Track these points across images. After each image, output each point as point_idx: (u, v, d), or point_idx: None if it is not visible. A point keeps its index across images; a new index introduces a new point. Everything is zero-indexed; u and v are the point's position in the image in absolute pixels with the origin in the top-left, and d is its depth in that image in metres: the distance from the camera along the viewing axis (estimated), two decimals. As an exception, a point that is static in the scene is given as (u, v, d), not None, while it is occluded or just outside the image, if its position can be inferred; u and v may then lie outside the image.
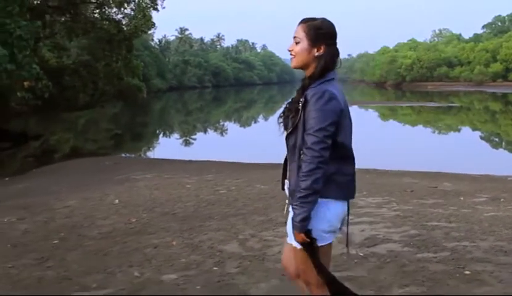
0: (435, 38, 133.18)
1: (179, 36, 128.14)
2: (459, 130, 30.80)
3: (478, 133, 29.18)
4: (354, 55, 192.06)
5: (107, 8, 21.46)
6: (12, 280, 4.86)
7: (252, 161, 13.33)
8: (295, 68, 2.87)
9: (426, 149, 20.54)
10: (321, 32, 2.82)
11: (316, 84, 2.79)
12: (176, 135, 28.60)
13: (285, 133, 2.92)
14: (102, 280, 4.75)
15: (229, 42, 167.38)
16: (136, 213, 7.30)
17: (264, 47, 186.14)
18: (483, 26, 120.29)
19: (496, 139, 26.91)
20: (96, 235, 6.27)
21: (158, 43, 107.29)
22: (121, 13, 21.70)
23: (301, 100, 2.77)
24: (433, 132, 28.78)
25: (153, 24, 22.07)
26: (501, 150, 23.07)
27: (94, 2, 21.69)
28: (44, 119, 23.27)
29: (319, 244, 2.85)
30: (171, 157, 16.29)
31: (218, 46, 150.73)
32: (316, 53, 2.81)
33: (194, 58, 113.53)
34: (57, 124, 25.66)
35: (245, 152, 16.68)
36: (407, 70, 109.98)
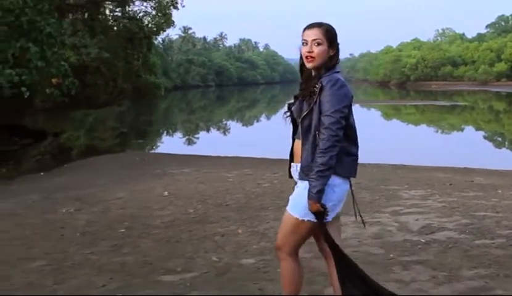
0: (438, 37, 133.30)
1: (183, 35, 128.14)
2: (465, 128, 30.99)
3: (484, 132, 29.34)
4: (356, 55, 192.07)
5: (127, 6, 21.73)
6: (94, 265, 5.08)
7: (280, 157, 13.54)
8: (314, 67, 3.18)
9: (441, 146, 20.81)
10: (334, 35, 3.22)
11: (329, 73, 3.14)
12: (192, 132, 28.94)
13: (290, 123, 3.32)
14: (184, 265, 4.98)
15: (231, 41, 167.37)
16: (190, 204, 7.53)
17: (266, 47, 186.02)
18: (487, 26, 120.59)
19: (501, 138, 27.05)
20: (159, 224, 6.50)
21: (161, 42, 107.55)
22: (142, 12, 21.99)
23: (317, 85, 3.10)
24: (442, 130, 29.06)
25: (173, 22, 22.40)
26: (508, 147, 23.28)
27: (115, 0, 21.92)
28: (63, 116, 23.57)
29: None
30: (191, 153, 16.59)
31: (221, 45, 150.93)
32: (331, 53, 3.19)
33: (197, 57, 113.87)
34: (74, 122, 25.96)
35: (268, 148, 16.88)
36: (411, 69, 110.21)
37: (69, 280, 4.70)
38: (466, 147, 20.94)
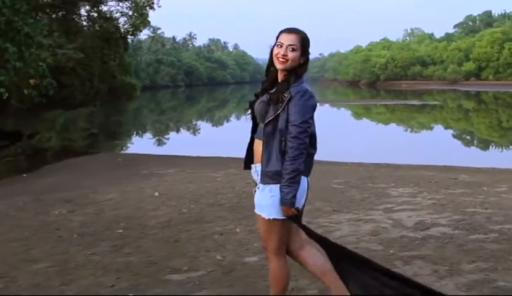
0: (407, 37, 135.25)
1: (151, 35, 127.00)
2: (438, 127, 31.52)
3: (457, 130, 29.86)
4: (325, 54, 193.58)
5: (103, 6, 21.60)
6: (98, 266, 5.09)
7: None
8: (284, 70, 3.30)
9: (417, 145, 21.16)
10: (308, 45, 3.35)
11: (298, 84, 3.25)
12: (164, 133, 28.84)
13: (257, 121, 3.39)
14: (189, 264, 5.02)
15: (200, 41, 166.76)
16: (183, 204, 7.56)
17: (236, 47, 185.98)
18: (455, 26, 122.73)
19: (470, 136, 27.57)
20: (156, 224, 6.52)
21: (131, 42, 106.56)
22: (119, 12, 21.84)
23: (285, 94, 3.21)
24: (416, 129, 29.53)
25: (149, 22, 22.29)
26: (482, 145, 23.78)
27: (91, 0, 21.73)
28: (39, 117, 23.28)
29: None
30: (168, 153, 16.59)
31: (190, 45, 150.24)
32: (301, 61, 3.31)
33: (166, 57, 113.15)
34: (50, 123, 25.69)
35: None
36: (381, 69, 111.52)
37: (76, 280, 4.71)
38: (442, 146, 21.33)
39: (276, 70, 3.35)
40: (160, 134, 27.23)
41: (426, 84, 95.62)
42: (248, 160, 3.50)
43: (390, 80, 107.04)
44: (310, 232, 3.48)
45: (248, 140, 3.53)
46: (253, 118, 3.46)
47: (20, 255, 5.53)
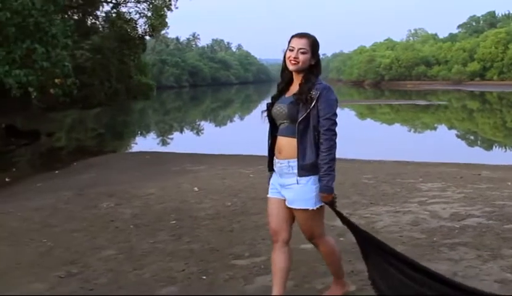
0: (411, 38, 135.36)
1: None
2: (446, 127, 31.85)
3: (469, 129, 30.23)
4: (329, 55, 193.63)
5: (122, 7, 22.06)
6: (164, 253, 5.47)
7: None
8: (296, 70, 3.66)
9: (429, 144, 21.50)
10: (317, 47, 3.70)
11: (319, 82, 3.63)
12: (180, 132, 29.39)
13: (278, 121, 3.72)
14: (249, 250, 5.41)
15: (204, 41, 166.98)
16: (224, 198, 7.94)
17: (239, 47, 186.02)
18: (459, 26, 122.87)
19: (478, 136, 27.91)
20: (206, 216, 6.90)
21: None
22: (138, 13, 22.27)
23: (313, 93, 3.55)
24: (423, 129, 29.88)
25: (167, 24, 22.71)
26: (491, 144, 24.12)
27: (110, 2, 22.21)
28: (58, 116, 23.74)
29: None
30: (190, 151, 16.97)
31: (194, 46, 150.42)
32: (312, 62, 3.67)
33: (170, 57, 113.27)
34: (69, 122, 26.21)
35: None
36: (386, 69, 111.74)
37: (147, 265, 5.09)
38: (453, 144, 21.68)
39: (290, 73, 3.72)
40: (175, 133, 27.74)
41: (431, 84, 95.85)
42: (271, 164, 3.87)
43: (395, 80, 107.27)
44: (343, 219, 3.84)
45: (266, 142, 3.84)
46: (271, 120, 3.78)
47: (85, 244, 5.91)
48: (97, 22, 22.67)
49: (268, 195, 3.88)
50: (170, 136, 26.66)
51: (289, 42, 3.67)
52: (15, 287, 4.72)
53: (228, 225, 6.40)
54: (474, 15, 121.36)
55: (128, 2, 22.23)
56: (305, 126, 3.56)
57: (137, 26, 22.38)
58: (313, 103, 3.54)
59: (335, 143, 3.56)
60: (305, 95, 3.58)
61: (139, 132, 28.51)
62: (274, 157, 3.78)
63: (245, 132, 25.67)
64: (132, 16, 22.39)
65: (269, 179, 3.92)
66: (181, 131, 29.53)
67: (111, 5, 22.29)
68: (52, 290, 4.60)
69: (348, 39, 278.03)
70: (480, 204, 7.22)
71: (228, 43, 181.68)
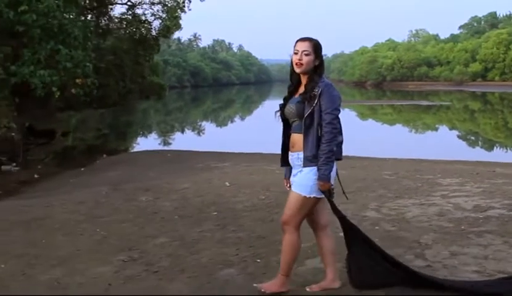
0: (412, 38, 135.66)
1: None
2: (449, 127, 32.30)
3: (469, 130, 30.67)
4: (329, 56, 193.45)
5: (137, 9, 22.58)
6: (213, 240, 5.93)
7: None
8: (301, 72, 4.04)
9: (436, 143, 21.97)
10: (320, 49, 4.08)
11: (322, 80, 4.00)
12: (192, 131, 30.05)
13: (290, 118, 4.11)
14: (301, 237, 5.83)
15: (205, 42, 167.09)
16: (257, 192, 8.40)
17: (240, 47, 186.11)
18: (460, 27, 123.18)
19: (485, 135, 28.38)
20: (244, 208, 7.36)
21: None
22: (152, 15, 22.78)
23: (316, 90, 3.94)
24: (428, 129, 30.39)
25: (181, 25, 23.20)
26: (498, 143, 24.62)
27: (125, 4, 22.73)
28: (75, 115, 24.27)
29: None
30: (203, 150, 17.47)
31: (195, 46, 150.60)
32: (316, 63, 4.05)
33: (172, 58, 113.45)
34: (82, 121, 26.77)
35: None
36: (388, 70, 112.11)
37: (202, 251, 5.54)
38: (459, 143, 22.17)
39: (298, 75, 4.15)
40: (188, 132, 28.36)
41: (433, 85, 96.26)
42: (284, 159, 4.25)
43: (397, 81, 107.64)
44: (335, 210, 4.18)
45: (280, 140, 4.24)
46: (283, 119, 4.18)
47: (136, 233, 6.37)
48: (112, 23, 23.12)
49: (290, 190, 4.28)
50: (183, 135, 27.27)
51: (294, 46, 4.09)
52: (82, 270, 5.16)
53: (268, 216, 6.86)
54: (475, 16, 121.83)
55: (142, 3, 22.75)
56: (310, 121, 3.94)
57: (152, 27, 22.92)
58: (316, 100, 3.93)
59: (336, 135, 3.93)
60: (309, 93, 3.97)
61: (154, 131, 29.33)
62: (289, 151, 4.17)
63: (252, 132, 26.19)
64: (147, 18, 22.90)
65: (285, 173, 4.36)
66: (193, 130, 30.19)
67: (126, 6, 22.80)
68: (117, 273, 5.04)
69: (348, 40, 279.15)
70: (499, 197, 7.67)
71: (229, 43, 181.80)
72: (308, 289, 4.31)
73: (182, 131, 30.51)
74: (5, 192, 11.18)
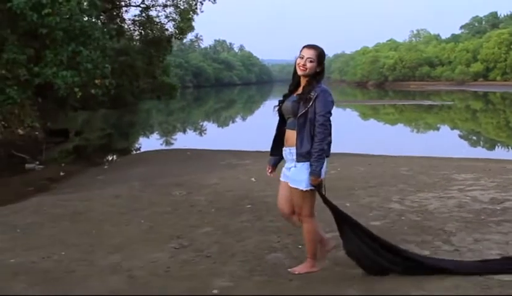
0: (413, 38, 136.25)
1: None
2: (452, 127, 32.77)
3: (474, 130, 31.18)
4: (330, 56, 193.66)
5: (150, 11, 23.14)
6: (254, 229, 6.40)
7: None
8: (303, 75, 4.48)
9: (441, 142, 22.45)
10: (323, 58, 4.53)
11: (320, 85, 4.46)
12: (203, 131, 30.73)
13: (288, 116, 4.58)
14: (328, 227, 6.27)
15: (206, 42, 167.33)
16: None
17: (241, 48, 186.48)
18: (461, 27, 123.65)
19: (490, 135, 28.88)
20: (274, 201, 7.47)
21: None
22: (166, 17, 23.35)
23: (312, 94, 4.39)
24: (432, 128, 30.90)
25: (193, 27, 23.76)
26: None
27: (138, 6, 23.29)
28: (89, 115, 24.81)
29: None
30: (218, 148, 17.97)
31: (197, 47, 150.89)
32: (318, 70, 4.51)
33: (174, 58, 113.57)
34: (94, 121, 27.34)
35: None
36: (389, 70, 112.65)
37: (246, 239, 6.02)
38: (466, 143, 22.66)
39: (299, 76, 4.55)
40: (200, 132, 29.06)
41: (434, 85, 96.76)
42: (275, 148, 4.78)
43: (399, 81, 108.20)
44: (326, 200, 4.67)
45: (273, 132, 4.79)
46: (280, 114, 4.66)
47: (180, 223, 6.85)
48: (124, 25, 23.68)
49: (280, 179, 4.87)
50: (194, 134, 27.93)
51: (300, 51, 4.52)
52: (139, 256, 5.63)
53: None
54: (476, 16, 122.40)
55: (155, 6, 23.30)
56: (303, 120, 4.39)
57: (166, 29, 23.47)
58: (311, 102, 4.38)
59: (327, 136, 4.39)
60: (305, 95, 4.43)
61: (165, 130, 30.03)
62: (284, 145, 4.65)
63: (262, 130, 26.66)
64: (160, 20, 23.46)
65: (269, 160, 4.93)
66: (203, 130, 30.88)
67: (139, 8, 23.33)
68: (173, 258, 5.51)
69: (349, 40, 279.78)
70: (513, 191, 8.17)
71: (230, 44, 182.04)
72: (290, 270, 4.85)
73: (195, 130, 31.21)
74: (36, 188, 11.70)
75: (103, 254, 5.76)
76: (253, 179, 9.78)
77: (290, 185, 4.61)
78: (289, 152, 4.56)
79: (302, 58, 4.49)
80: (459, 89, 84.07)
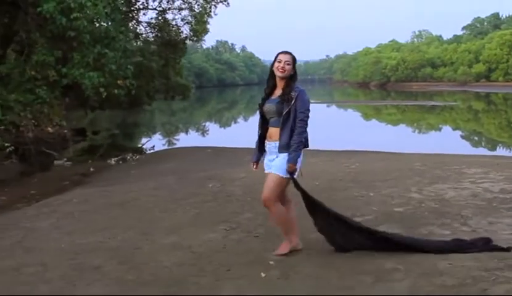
0: (415, 39, 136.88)
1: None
2: (455, 126, 33.52)
3: (478, 130, 31.97)
4: (332, 56, 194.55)
5: (167, 14, 24.04)
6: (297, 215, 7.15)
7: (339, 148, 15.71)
8: (281, 77, 5.14)
9: (444, 141, 23.21)
10: (295, 61, 5.26)
11: (296, 86, 5.16)
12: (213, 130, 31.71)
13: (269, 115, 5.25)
14: (359, 211, 7.11)
15: (208, 43, 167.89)
16: (308, 180, 9.51)
17: (243, 48, 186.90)
18: (463, 28, 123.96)
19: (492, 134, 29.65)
20: (309, 190, 8.56)
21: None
22: (182, 20, 24.20)
23: (293, 94, 5.07)
24: (435, 128, 31.67)
25: (208, 29, 24.56)
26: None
27: (154, 9, 24.14)
28: (106, 115, 25.64)
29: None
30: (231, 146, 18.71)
31: (199, 47, 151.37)
32: (292, 72, 5.22)
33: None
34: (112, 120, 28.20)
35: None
36: (392, 71, 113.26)
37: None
38: (471, 142, 23.42)
39: (274, 80, 5.23)
40: (209, 132, 30.04)
41: (437, 86, 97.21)
42: (261, 145, 5.46)
43: (401, 82, 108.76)
44: (297, 185, 5.35)
45: (256, 132, 5.49)
46: (262, 115, 5.32)
47: (224, 210, 7.63)
48: (141, 27, 24.59)
49: (265, 171, 5.43)
50: (207, 133, 28.89)
51: (276, 57, 5.21)
52: (195, 236, 6.37)
53: (330, 196, 8.04)
54: (478, 17, 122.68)
55: (171, 9, 24.13)
56: (287, 117, 5.08)
57: (181, 31, 24.32)
58: (293, 102, 5.07)
59: (305, 130, 5.08)
60: (287, 96, 5.11)
61: (180, 129, 31.08)
62: (266, 141, 5.33)
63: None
64: (176, 22, 24.31)
65: (254, 157, 5.63)
66: (211, 130, 31.73)
67: (155, 12, 24.21)
68: (226, 238, 6.27)
69: (350, 41, 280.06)
70: (522, 183, 8.92)
71: (232, 44, 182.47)
72: (273, 253, 5.50)
73: (204, 130, 32.13)
74: (71, 182, 12.50)
75: (162, 235, 6.52)
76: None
77: (273, 172, 5.25)
78: (274, 145, 5.21)
79: (280, 62, 5.17)
80: (462, 89, 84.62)
